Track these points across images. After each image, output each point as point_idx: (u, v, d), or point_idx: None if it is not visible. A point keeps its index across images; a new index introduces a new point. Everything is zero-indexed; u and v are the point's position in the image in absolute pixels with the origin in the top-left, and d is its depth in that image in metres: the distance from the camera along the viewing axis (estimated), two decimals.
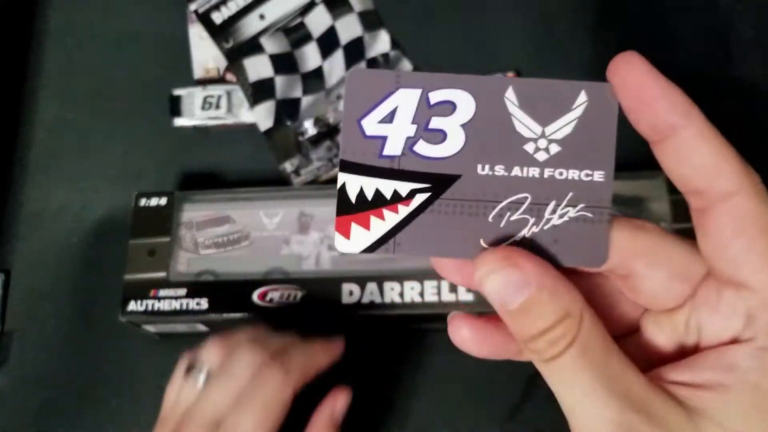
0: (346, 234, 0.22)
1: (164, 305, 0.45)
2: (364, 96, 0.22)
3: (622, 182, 0.46)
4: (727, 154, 0.20)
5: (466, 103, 0.22)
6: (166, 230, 0.47)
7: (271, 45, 0.55)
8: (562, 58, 0.54)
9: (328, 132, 0.52)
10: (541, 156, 0.22)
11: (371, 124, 0.22)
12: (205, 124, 0.54)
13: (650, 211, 0.45)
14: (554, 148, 0.22)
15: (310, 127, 0.52)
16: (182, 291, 0.45)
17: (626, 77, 0.21)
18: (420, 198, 0.22)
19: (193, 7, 0.54)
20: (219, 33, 0.54)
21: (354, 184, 0.22)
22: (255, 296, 0.45)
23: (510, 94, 0.22)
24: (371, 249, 0.22)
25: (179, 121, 0.54)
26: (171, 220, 0.47)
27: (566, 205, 0.22)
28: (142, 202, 0.48)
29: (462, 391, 0.48)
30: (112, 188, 0.54)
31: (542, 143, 0.22)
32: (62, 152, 0.55)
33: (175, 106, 0.54)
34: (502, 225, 0.22)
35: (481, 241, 0.22)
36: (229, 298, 0.45)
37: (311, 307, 0.45)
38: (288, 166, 0.52)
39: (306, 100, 0.54)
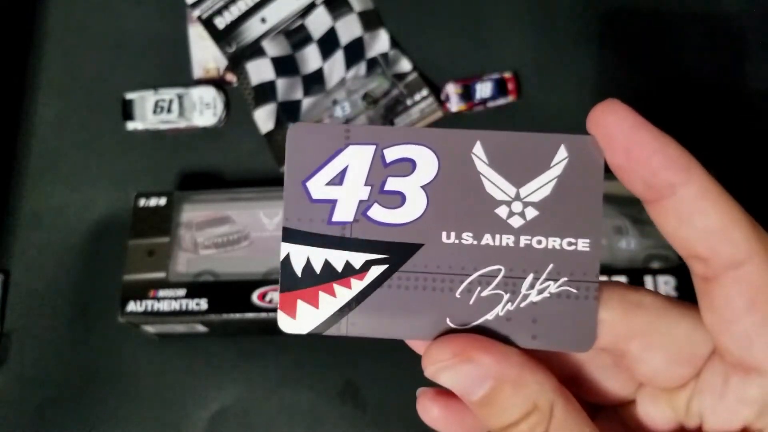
0: (292, 313, 0.20)
1: (163, 306, 0.45)
2: (309, 154, 0.19)
3: (620, 182, 0.46)
4: (734, 215, 0.18)
5: (427, 161, 0.19)
6: (166, 230, 0.47)
7: (273, 48, 0.55)
8: (562, 59, 0.54)
9: None
10: (516, 222, 0.19)
11: (318, 187, 0.19)
12: (157, 128, 0.54)
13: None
14: (531, 213, 0.19)
15: None
16: (181, 291, 0.45)
17: (612, 131, 0.18)
18: (376, 271, 0.19)
19: (196, 12, 0.55)
20: (222, 38, 0.55)
21: (299, 255, 0.19)
22: (255, 297, 0.45)
23: (478, 150, 0.19)
24: (320, 329, 0.20)
25: (131, 125, 0.54)
26: (170, 220, 0.47)
27: (546, 279, 0.19)
28: (142, 202, 0.48)
29: None
30: (111, 188, 0.54)
31: (517, 207, 0.19)
32: (62, 152, 0.55)
33: (127, 110, 0.54)
34: (471, 302, 0.19)
35: (448, 321, 0.20)
36: (228, 299, 0.45)
37: None
38: None
39: (307, 102, 0.54)
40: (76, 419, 0.49)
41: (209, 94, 0.54)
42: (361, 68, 0.54)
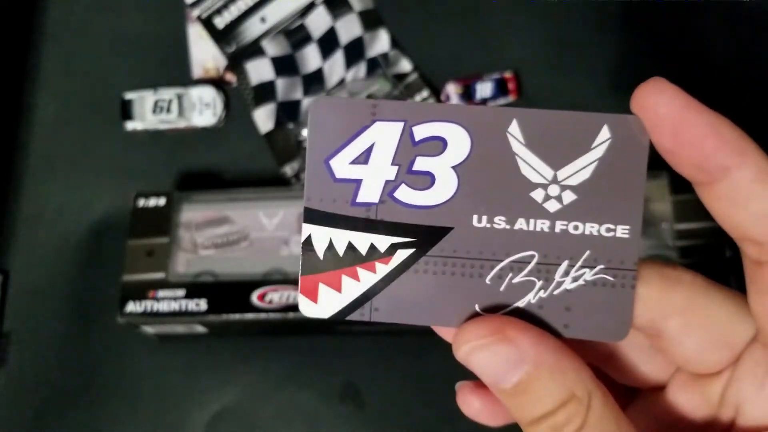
0: (313, 297, 0.19)
1: (163, 306, 0.45)
2: (333, 131, 0.18)
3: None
4: None
5: (459, 140, 0.18)
6: (165, 231, 0.47)
7: (272, 48, 0.55)
8: (563, 58, 0.54)
9: None
10: (552, 206, 0.18)
11: (342, 166, 0.18)
12: (157, 127, 0.54)
13: (652, 211, 0.45)
14: (568, 197, 0.18)
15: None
16: (181, 292, 0.45)
17: (660, 112, 0.17)
18: (402, 254, 0.18)
19: (195, 12, 0.55)
20: (221, 38, 0.55)
21: (321, 237, 0.18)
22: (254, 297, 0.45)
23: (514, 129, 0.18)
24: (342, 314, 0.19)
25: (130, 125, 0.54)
26: (170, 220, 0.47)
27: (582, 266, 0.18)
28: (141, 202, 0.47)
29: None
30: (110, 188, 0.53)
31: (554, 190, 0.18)
32: (61, 152, 0.55)
33: (126, 110, 0.54)
34: (502, 288, 0.19)
35: (477, 307, 0.19)
36: (228, 299, 0.45)
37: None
38: (288, 170, 0.52)
39: (306, 102, 0.54)
40: (75, 420, 0.49)
41: (209, 94, 0.54)
42: (361, 68, 0.53)
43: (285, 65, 0.54)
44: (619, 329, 0.18)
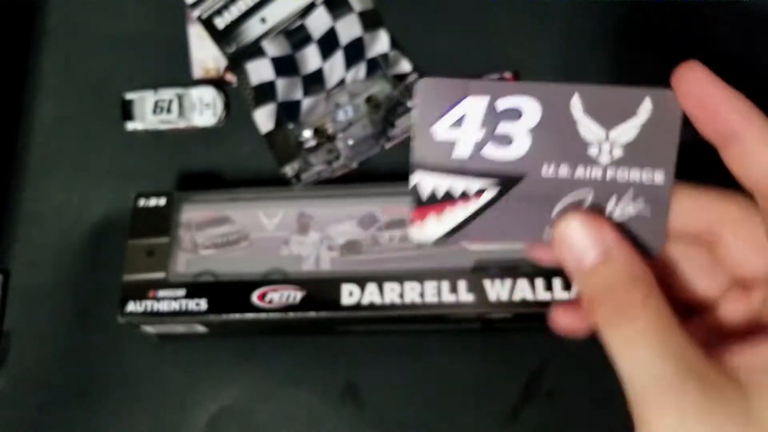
0: (421, 225, 0.25)
1: (163, 306, 0.45)
2: (434, 104, 0.24)
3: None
4: None
5: (532, 109, 0.23)
6: (165, 231, 0.47)
7: (273, 48, 0.55)
8: (562, 58, 0.54)
9: (328, 139, 0.52)
10: (604, 158, 0.23)
11: (442, 130, 0.24)
12: (157, 128, 0.54)
13: None
14: (617, 152, 0.23)
15: (309, 137, 0.52)
16: (181, 292, 0.45)
17: (690, 86, 0.22)
18: (488, 195, 0.24)
19: (196, 12, 0.55)
20: (222, 38, 0.55)
21: (426, 183, 0.24)
22: (254, 297, 0.45)
23: (575, 101, 0.23)
24: (443, 239, 0.25)
25: (131, 125, 0.54)
26: (170, 220, 0.47)
27: (627, 201, 0.24)
28: (141, 202, 0.48)
29: (463, 394, 0.48)
30: (111, 188, 0.54)
31: (606, 147, 0.23)
32: (61, 152, 0.55)
33: (126, 110, 0.54)
34: None
35: (547, 228, 0.24)
36: (228, 299, 0.45)
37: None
38: (289, 170, 0.52)
39: (307, 102, 0.54)
40: (75, 420, 0.49)
41: (209, 94, 0.54)
42: (361, 69, 0.54)
43: (285, 65, 0.55)
44: (654, 248, 0.24)
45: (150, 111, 0.54)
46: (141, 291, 0.45)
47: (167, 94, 0.54)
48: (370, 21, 0.55)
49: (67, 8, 0.58)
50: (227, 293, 0.45)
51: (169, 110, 0.54)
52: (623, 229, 0.23)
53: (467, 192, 0.24)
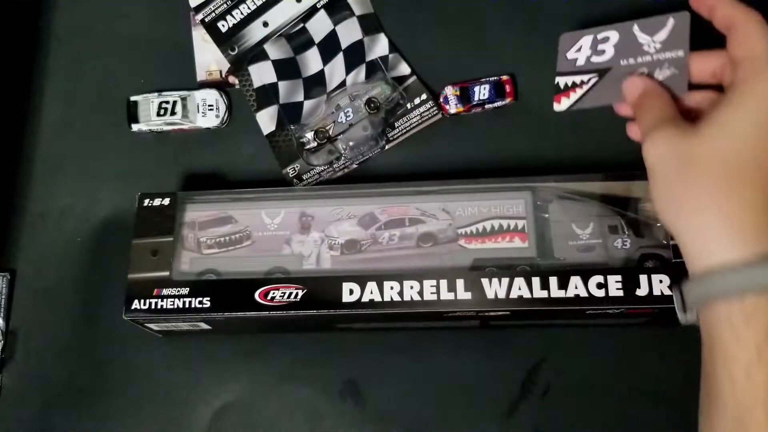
0: (559, 102, 0.42)
1: (167, 304, 0.45)
2: (568, 44, 0.42)
3: (617, 183, 0.47)
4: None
5: (613, 35, 0.41)
6: (169, 230, 0.47)
7: (275, 51, 0.55)
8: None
9: (328, 140, 0.53)
10: (651, 50, 0.40)
11: (570, 54, 0.42)
12: (161, 129, 0.55)
13: (645, 211, 0.46)
14: (657, 46, 0.40)
15: (311, 139, 0.52)
16: (185, 290, 0.46)
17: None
18: (592, 81, 0.42)
19: (199, 16, 0.55)
20: (225, 41, 0.55)
21: (563, 80, 0.42)
22: (257, 295, 0.45)
23: (635, 28, 0.40)
24: (570, 107, 0.42)
25: (135, 127, 0.55)
26: (174, 220, 0.48)
27: (664, 69, 0.40)
28: (146, 202, 0.48)
29: (461, 391, 0.49)
30: (115, 189, 0.54)
31: (652, 45, 0.40)
32: (66, 153, 0.55)
33: (131, 112, 0.55)
34: None
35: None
36: (231, 297, 0.45)
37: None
38: (290, 171, 0.53)
39: (308, 104, 0.54)
40: (81, 416, 0.49)
41: (212, 96, 0.55)
42: (361, 71, 0.54)
43: (287, 68, 0.55)
44: (683, 88, 0.39)
45: (154, 113, 0.55)
46: (145, 289, 0.46)
47: (171, 96, 0.55)
48: (370, 25, 0.55)
49: (73, 12, 0.59)
50: (230, 291, 0.45)
51: (173, 112, 0.55)
52: (663, 84, 0.39)
53: (581, 82, 0.42)
